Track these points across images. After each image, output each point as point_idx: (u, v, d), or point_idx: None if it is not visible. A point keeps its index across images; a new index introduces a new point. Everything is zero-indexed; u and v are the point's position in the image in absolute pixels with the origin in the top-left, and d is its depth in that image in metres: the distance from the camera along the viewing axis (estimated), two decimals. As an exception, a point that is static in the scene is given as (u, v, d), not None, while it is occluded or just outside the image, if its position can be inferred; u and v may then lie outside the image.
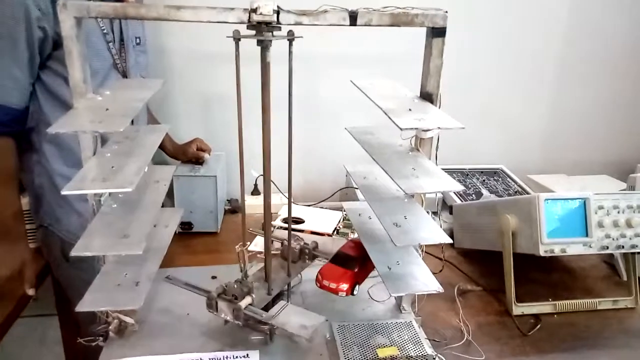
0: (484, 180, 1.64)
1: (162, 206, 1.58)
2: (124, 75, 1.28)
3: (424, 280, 0.89)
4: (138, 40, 1.31)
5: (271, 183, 0.99)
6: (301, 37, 0.81)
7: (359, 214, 1.13)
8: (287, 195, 1.62)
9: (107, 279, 0.86)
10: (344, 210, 1.38)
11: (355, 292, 0.99)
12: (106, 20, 1.20)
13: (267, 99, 0.86)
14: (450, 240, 0.82)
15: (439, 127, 0.75)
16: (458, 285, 1.19)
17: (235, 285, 0.94)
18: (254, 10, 0.77)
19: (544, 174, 1.70)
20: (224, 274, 1.18)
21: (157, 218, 1.07)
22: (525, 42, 1.78)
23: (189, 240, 1.42)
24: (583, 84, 1.87)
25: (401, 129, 0.74)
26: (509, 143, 1.88)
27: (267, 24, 0.79)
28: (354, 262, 1.01)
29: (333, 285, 0.98)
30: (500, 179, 1.66)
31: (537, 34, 1.78)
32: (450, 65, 0.92)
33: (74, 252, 0.72)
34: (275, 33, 0.82)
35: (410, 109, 0.83)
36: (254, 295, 0.94)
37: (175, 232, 1.43)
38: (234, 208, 1.61)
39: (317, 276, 1.01)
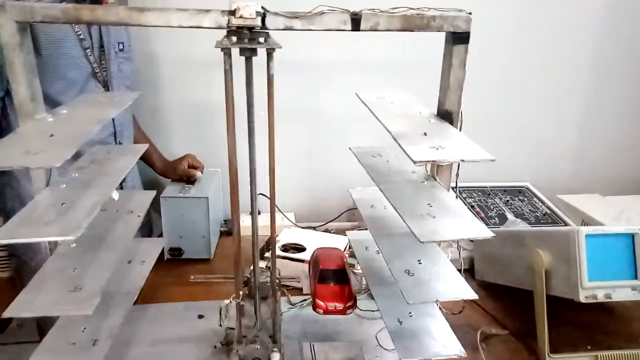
0: (507, 201, 1.47)
1: (151, 231, 1.47)
2: (105, 85, 1.16)
3: (443, 339, 0.74)
4: (121, 46, 1.18)
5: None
6: (280, 46, 0.65)
7: (366, 247, 0.98)
8: (287, 216, 1.50)
9: (61, 334, 0.72)
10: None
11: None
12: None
13: (272, 116, 0.71)
14: (475, 296, 0.66)
15: (461, 160, 0.60)
16: (481, 330, 1.03)
17: (257, 346, 0.82)
18: (233, 13, 0.63)
19: (574, 193, 1.53)
20: (213, 311, 1.04)
21: (132, 252, 0.93)
22: (555, 47, 1.62)
23: (179, 269, 1.27)
24: (616, 93, 1.70)
25: (414, 162, 0.58)
26: (535, 158, 1.71)
27: (250, 29, 0.65)
28: (342, 275, 0.90)
29: (340, 306, 0.86)
30: (526, 199, 1.49)
31: (568, 40, 1.61)
32: (469, 72, 0.76)
33: (7, 314, 0.58)
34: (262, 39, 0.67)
35: (425, 133, 0.68)
36: (276, 350, 0.81)
37: (164, 259, 1.32)
38: (231, 230, 1.46)
39: (315, 302, 0.87)
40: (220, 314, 0.83)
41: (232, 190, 0.75)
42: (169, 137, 1.50)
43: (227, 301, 0.81)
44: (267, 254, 1.26)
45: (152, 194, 0.94)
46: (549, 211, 1.43)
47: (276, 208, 1.46)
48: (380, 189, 0.74)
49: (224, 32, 0.66)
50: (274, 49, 0.66)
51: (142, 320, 1.01)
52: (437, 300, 0.73)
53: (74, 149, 0.58)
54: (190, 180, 1.34)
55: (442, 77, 0.75)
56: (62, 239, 0.57)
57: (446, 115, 0.75)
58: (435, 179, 0.79)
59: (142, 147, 0.92)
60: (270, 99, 0.70)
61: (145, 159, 1.38)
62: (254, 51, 0.68)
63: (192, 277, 1.07)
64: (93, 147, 0.87)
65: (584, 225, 1.35)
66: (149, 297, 1.13)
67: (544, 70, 1.63)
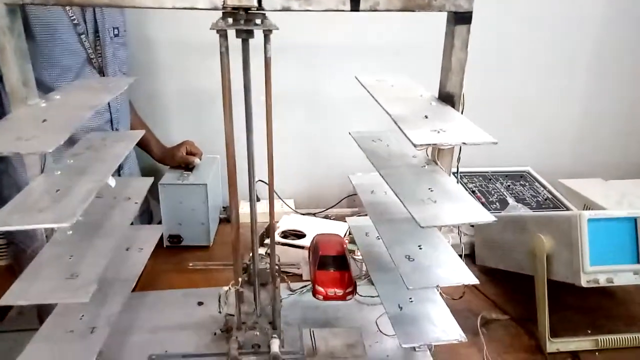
0: (508, 186, 1.46)
1: (151, 218, 1.46)
2: (101, 71, 1.14)
3: (443, 324, 0.73)
4: (116, 31, 1.16)
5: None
6: (277, 28, 0.64)
7: (366, 233, 0.97)
8: (287, 203, 1.49)
9: (59, 322, 0.72)
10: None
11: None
12: (76, 8, 1.05)
13: (269, 99, 0.69)
14: (476, 281, 0.66)
15: (463, 143, 0.59)
16: (481, 315, 1.03)
17: (257, 333, 0.81)
18: (228, -7, 0.61)
19: (576, 177, 1.51)
20: (212, 298, 1.03)
21: (130, 239, 0.92)
22: (558, 30, 1.59)
23: (178, 256, 1.27)
24: (620, 78, 1.68)
25: (415, 146, 0.57)
26: (537, 142, 1.70)
27: (246, 9, 0.63)
28: (342, 261, 0.89)
29: (340, 292, 0.86)
30: (527, 184, 1.48)
31: (572, 23, 1.59)
32: (470, 54, 0.74)
33: (2, 302, 0.58)
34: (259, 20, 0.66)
35: (426, 116, 0.67)
36: (275, 336, 0.81)
37: (163, 246, 1.31)
38: (230, 217, 1.45)
39: (315, 288, 0.87)
40: (220, 300, 0.83)
41: (230, 177, 0.74)
42: (166, 124, 1.49)
43: (226, 288, 0.80)
44: (267, 241, 1.25)
45: (149, 180, 0.93)
46: (550, 196, 1.42)
47: (275, 194, 1.45)
48: (380, 174, 0.73)
49: (221, 14, 0.65)
50: (270, 31, 0.65)
51: (141, 308, 1.00)
52: (437, 286, 0.72)
53: (67, 135, 0.56)
54: (188, 167, 1.33)
55: (444, 58, 0.73)
56: (56, 226, 0.56)
57: (447, 97, 0.74)
58: (437, 164, 0.78)
59: (139, 134, 0.90)
60: (267, 82, 0.69)
61: (142, 145, 1.37)
62: (250, 33, 0.67)
63: (190, 265, 1.06)
64: (89, 133, 0.86)
65: (586, 209, 1.34)
66: (148, 284, 1.13)
67: (546, 54, 1.61)
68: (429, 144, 0.59)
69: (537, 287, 0.97)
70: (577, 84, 1.68)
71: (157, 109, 1.48)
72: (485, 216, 0.60)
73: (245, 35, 0.67)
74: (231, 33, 0.65)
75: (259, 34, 0.66)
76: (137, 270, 0.84)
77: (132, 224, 1.27)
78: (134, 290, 1.13)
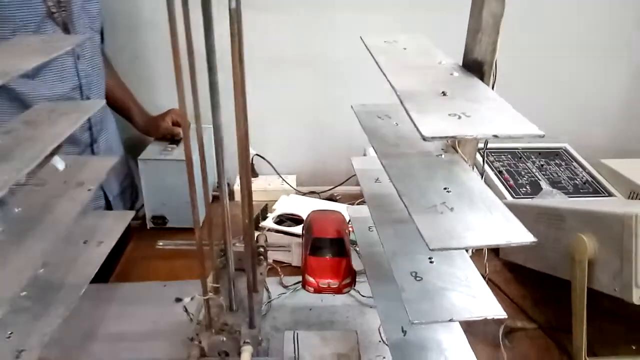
0: (541, 165, 1.27)
1: (137, 196, 1.32)
2: (65, 27, 0.98)
3: (456, 355, 0.58)
4: (85, -18, 0.99)
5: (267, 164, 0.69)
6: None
7: (369, 227, 0.81)
8: (288, 180, 1.33)
9: (-17, 340, 0.59)
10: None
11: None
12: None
13: (238, 65, 0.54)
14: (504, 314, 0.50)
15: (494, 135, 0.41)
16: (505, 323, 0.87)
17: (223, 338, 0.67)
18: None
19: (620, 157, 1.31)
20: (193, 293, 0.91)
21: (91, 230, 0.79)
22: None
23: (162, 239, 1.13)
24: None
25: (424, 139, 0.40)
26: (576, 115, 1.48)
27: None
28: (340, 245, 0.74)
29: (335, 284, 0.70)
30: (563, 163, 1.29)
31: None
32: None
33: None
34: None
35: (444, 92, 0.49)
36: (248, 341, 0.66)
37: (147, 228, 1.18)
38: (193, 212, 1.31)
39: (305, 279, 0.72)
40: (186, 311, 0.69)
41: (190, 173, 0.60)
42: (152, 88, 1.32)
43: (187, 299, 0.66)
44: (264, 223, 1.11)
45: (111, 160, 0.79)
46: (590, 178, 1.23)
47: (274, 170, 1.30)
48: (383, 166, 0.57)
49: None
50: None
51: (110, 304, 0.89)
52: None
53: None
54: (174, 139, 1.18)
55: (472, 13, 0.55)
56: None
57: (475, 66, 0.56)
58: (457, 151, 0.60)
59: (96, 104, 0.75)
60: (233, 42, 0.54)
61: (124, 113, 1.22)
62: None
63: (160, 243, 0.93)
64: (41, 104, 0.71)
65: (633, 196, 1.16)
66: (126, 273, 1.03)
67: (593, 14, 1.38)
68: (445, 137, 0.41)
69: (573, 297, 0.81)
70: (622, 49, 1.44)
71: (142, 72, 1.31)
72: (521, 235, 0.43)
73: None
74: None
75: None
76: (91, 271, 0.70)
77: (109, 206, 1.14)
78: (108, 280, 1.01)
